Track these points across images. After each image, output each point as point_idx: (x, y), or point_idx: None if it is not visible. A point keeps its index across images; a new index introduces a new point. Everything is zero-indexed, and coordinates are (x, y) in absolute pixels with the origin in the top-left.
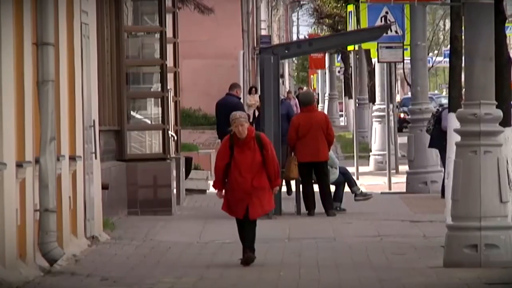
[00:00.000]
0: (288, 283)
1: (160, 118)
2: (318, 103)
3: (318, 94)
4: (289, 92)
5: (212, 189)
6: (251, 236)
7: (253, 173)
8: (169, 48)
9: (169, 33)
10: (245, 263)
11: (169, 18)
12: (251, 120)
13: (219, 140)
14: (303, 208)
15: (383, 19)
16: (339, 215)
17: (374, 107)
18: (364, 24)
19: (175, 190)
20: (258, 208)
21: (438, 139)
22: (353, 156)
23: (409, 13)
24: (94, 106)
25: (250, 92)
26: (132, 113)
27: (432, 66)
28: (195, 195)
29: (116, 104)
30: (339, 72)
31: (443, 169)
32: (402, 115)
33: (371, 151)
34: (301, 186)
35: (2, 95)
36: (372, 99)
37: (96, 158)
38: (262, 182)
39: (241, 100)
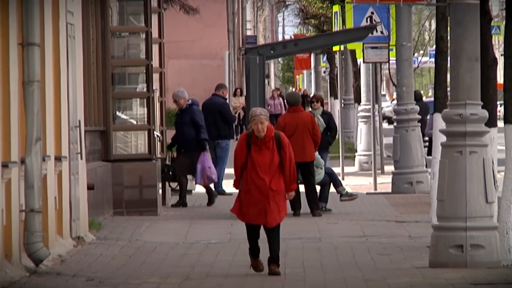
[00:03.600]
0: (273, 283)
1: (145, 119)
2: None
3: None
4: (274, 90)
5: (198, 189)
6: (277, 245)
7: (271, 174)
8: (155, 48)
9: (155, 34)
10: (257, 270)
11: (154, 19)
12: (235, 122)
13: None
14: (288, 208)
15: (368, 19)
16: (324, 216)
17: (360, 108)
18: (349, 24)
19: (160, 191)
20: (276, 215)
21: None
22: (339, 156)
23: (394, 14)
24: (79, 106)
25: (235, 94)
26: (117, 113)
27: (418, 66)
28: None
29: (101, 104)
30: (324, 72)
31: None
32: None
33: (356, 151)
34: None
35: None
36: (358, 100)
37: (81, 158)
38: (280, 185)
39: (227, 101)
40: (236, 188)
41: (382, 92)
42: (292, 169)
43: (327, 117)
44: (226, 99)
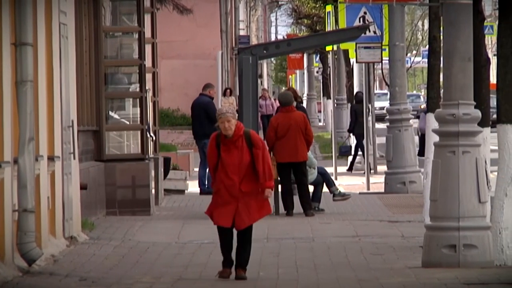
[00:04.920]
0: (266, 283)
1: (138, 119)
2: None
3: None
4: (264, 90)
5: (191, 189)
6: (247, 250)
7: (241, 175)
8: (148, 48)
9: (148, 34)
10: (221, 277)
11: (147, 19)
12: None
13: (195, 141)
14: (281, 208)
15: (361, 19)
16: (317, 215)
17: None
18: (342, 24)
19: (153, 191)
20: (245, 217)
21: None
22: (332, 156)
23: (387, 14)
24: (72, 106)
25: (224, 94)
26: (110, 113)
27: (411, 66)
28: (174, 195)
29: (94, 104)
30: (317, 72)
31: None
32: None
33: None
34: (279, 186)
35: None
36: (351, 100)
37: (74, 158)
38: (252, 187)
39: (214, 100)
40: (213, 189)
41: (384, 91)
42: (266, 165)
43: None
44: (212, 98)
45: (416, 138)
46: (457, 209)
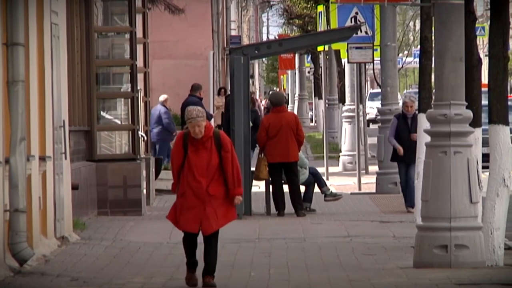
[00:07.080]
0: (258, 283)
1: (130, 119)
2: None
3: (288, 94)
4: (252, 93)
5: None
6: (213, 256)
7: (209, 177)
8: (139, 48)
9: (139, 34)
10: (190, 285)
11: (139, 19)
12: (220, 122)
13: None
14: (273, 209)
15: (353, 19)
16: (309, 216)
17: (344, 108)
18: (334, 24)
19: (145, 191)
20: (213, 222)
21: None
22: (323, 156)
23: (379, 14)
24: (64, 106)
25: (219, 93)
26: (102, 113)
27: (402, 66)
28: (165, 195)
29: (86, 104)
30: (309, 72)
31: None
32: None
33: (341, 151)
34: (271, 186)
35: None
36: (342, 100)
37: (66, 158)
38: (220, 190)
39: (204, 100)
40: (174, 192)
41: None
42: (236, 171)
43: (254, 115)
44: (201, 99)
45: None
46: (449, 210)
